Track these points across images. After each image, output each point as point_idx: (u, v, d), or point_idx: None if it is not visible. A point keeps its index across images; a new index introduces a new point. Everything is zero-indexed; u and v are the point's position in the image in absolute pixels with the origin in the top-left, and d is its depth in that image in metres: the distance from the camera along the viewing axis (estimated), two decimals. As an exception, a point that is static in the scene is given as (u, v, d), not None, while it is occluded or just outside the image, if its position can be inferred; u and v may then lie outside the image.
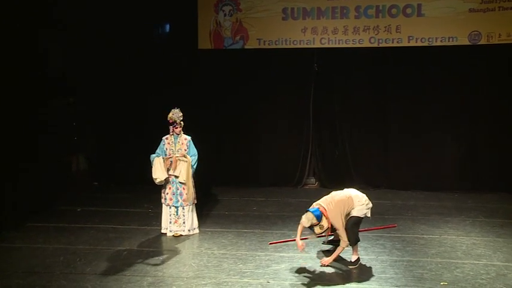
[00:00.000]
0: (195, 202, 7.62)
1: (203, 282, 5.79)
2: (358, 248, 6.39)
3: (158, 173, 7.32)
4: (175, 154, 7.40)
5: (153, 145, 7.65)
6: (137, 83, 10.34)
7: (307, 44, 10.07)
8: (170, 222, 7.50)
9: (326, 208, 6.06)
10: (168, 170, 7.40)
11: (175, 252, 6.79)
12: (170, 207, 7.48)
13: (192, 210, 7.55)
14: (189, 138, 7.55)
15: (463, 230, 7.58)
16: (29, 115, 8.76)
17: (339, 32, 9.93)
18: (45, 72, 9.45)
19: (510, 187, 9.71)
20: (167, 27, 10.67)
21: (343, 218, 6.11)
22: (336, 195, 6.28)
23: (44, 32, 9.30)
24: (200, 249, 6.92)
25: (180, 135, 7.49)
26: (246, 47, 10.28)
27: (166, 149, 7.46)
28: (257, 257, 6.56)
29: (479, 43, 9.53)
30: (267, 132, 10.61)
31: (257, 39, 10.19)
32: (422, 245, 6.97)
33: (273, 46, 10.18)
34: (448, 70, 9.87)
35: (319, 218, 5.97)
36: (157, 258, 6.56)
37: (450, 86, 9.91)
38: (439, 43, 9.63)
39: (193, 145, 7.55)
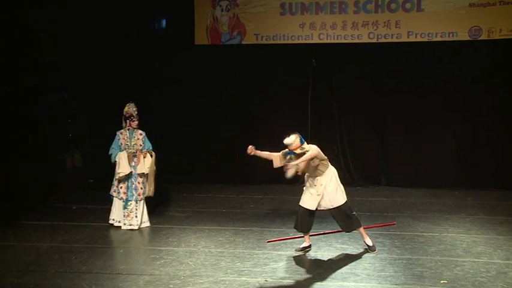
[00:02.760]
0: (151, 196, 7.80)
1: (200, 281, 5.77)
2: (361, 243, 6.43)
3: (123, 167, 7.48)
4: (131, 149, 7.55)
5: (150, 141, 7.71)
6: (133, 79, 10.29)
7: (305, 39, 10.04)
8: (124, 216, 7.62)
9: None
10: (130, 164, 7.55)
11: (172, 250, 6.76)
12: (124, 201, 7.62)
13: (143, 205, 7.72)
14: (143, 133, 7.69)
15: (463, 228, 7.57)
16: (22, 110, 8.73)
17: (337, 27, 9.90)
18: (37, 67, 9.38)
19: (510, 184, 9.72)
20: (163, 22, 10.64)
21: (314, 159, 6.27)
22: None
23: (36, 25, 9.24)
24: (197, 247, 6.89)
25: (135, 130, 7.62)
26: (243, 42, 10.24)
27: (121, 144, 7.58)
28: (255, 255, 6.54)
29: (479, 38, 9.51)
30: (264, 128, 10.58)
31: (255, 34, 10.15)
32: (422, 242, 6.96)
33: (271, 41, 10.14)
34: (448, 66, 9.88)
35: (302, 141, 6.16)
36: (153, 256, 6.54)
37: (450, 81, 9.92)
38: (439, 38, 9.61)
39: (147, 140, 7.73)
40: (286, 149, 6.30)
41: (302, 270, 6.10)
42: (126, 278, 5.88)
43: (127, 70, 10.30)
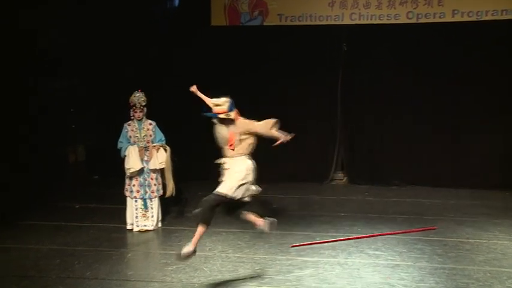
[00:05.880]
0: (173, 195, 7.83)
1: (216, 290, 5.79)
2: (396, 250, 6.34)
3: (133, 162, 7.51)
4: (141, 142, 7.56)
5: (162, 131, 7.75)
6: (144, 64, 10.33)
7: (335, 20, 9.99)
8: (136, 217, 7.68)
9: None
10: (142, 159, 7.57)
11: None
12: (136, 200, 7.62)
13: (158, 204, 7.77)
14: (154, 123, 7.71)
15: (515, 234, 7.48)
16: (20, 100, 8.82)
17: (371, 6, 9.84)
18: (37, 50, 9.45)
19: None
20: (177, 1, 10.65)
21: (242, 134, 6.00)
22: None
23: (39, 8, 9.32)
24: (213, 252, 6.90)
25: (143, 121, 7.65)
26: (265, 23, 10.24)
27: (130, 136, 7.61)
28: (277, 262, 6.52)
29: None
30: (288, 120, 10.46)
31: (278, 14, 10.14)
32: (468, 250, 6.87)
33: (296, 23, 10.12)
34: (500, 50, 9.66)
35: (231, 108, 6.02)
36: (164, 261, 6.56)
37: (502, 70, 9.71)
38: (489, 17, 9.44)
39: (159, 130, 7.73)
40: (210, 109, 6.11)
41: (330, 278, 6.05)
42: (134, 285, 5.90)
43: (137, 55, 10.33)
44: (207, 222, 5.79)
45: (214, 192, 5.79)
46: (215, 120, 6.08)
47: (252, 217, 6.06)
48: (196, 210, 5.90)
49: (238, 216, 6.03)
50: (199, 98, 6.65)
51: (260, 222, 6.04)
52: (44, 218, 8.29)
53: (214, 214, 5.79)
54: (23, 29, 8.89)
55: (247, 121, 6.08)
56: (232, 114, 6.05)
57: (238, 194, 5.85)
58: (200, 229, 5.79)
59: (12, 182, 8.52)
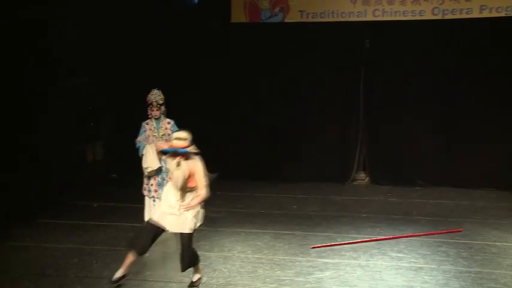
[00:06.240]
0: None
1: (235, 291, 5.79)
2: (420, 252, 6.26)
3: (150, 161, 7.50)
4: (159, 140, 7.55)
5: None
6: (162, 62, 10.36)
7: (357, 16, 9.93)
8: None
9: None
10: (159, 159, 7.53)
11: (203, 256, 6.77)
12: (154, 200, 7.62)
13: None
14: (172, 122, 7.70)
15: (544, 237, 7.36)
16: (35, 97, 8.89)
17: (395, 2, 9.77)
18: (52, 46, 9.48)
19: None
20: (196, -2, 10.67)
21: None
22: None
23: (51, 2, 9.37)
24: (232, 252, 6.90)
25: (161, 119, 7.65)
26: (286, 20, 10.22)
27: (149, 135, 7.59)
28: (297, 263, 6.50)
29: None
30: (309, 120, 10.52)
31: (299, 11, 10.11)
32: (495, 253, 6.79)
33: (318, 19, 10.09)
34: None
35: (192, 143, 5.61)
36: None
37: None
38: (520, 13, 9.28)
39: (177, 128, 7.63)
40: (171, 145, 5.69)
41: (351, 281, 6.02)
42: (152, 285, 5.92)
43: (155, 52, 10.37)
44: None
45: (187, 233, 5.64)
46: (180, 160, 5.53)
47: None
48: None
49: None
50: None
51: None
52: (62, 216, 8.37)
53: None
54: (33, 22, 8.90)
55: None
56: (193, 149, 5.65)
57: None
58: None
59: (31, 180, 8.60)
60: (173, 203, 5.63)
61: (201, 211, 5.77)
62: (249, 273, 6.24)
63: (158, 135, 7.63)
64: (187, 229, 5.62)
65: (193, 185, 5.63)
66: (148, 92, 7.62)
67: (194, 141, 8.16)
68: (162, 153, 5.88)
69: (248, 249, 7.01)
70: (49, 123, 9.16)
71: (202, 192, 5.60)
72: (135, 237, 5.86)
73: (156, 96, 7.58)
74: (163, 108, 7.66)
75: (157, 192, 7.63)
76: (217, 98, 10.54)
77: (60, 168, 9.37)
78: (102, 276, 6.14)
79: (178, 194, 5.63)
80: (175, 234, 5.83)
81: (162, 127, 7.66)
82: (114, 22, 10.30)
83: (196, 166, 5.63)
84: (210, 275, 6.18)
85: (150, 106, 7.60)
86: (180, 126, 7.70)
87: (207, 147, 9.84)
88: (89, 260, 6.61)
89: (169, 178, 5.87)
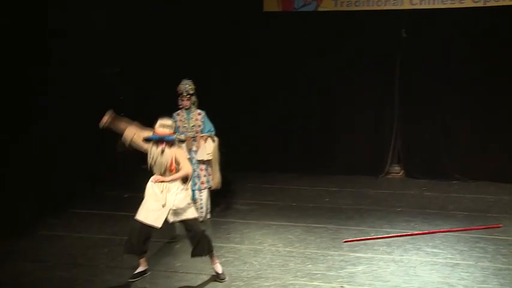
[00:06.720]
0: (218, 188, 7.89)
1: (266, 284, 5.78)
2: (456, 248, 6.19)
3: None
4: (190, 132, 7.61)
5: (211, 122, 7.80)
6: (194, 52, 10.39)
7: (393, 4, 9.82)
8: None
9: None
10: (189, 150, 7.60)
11: (234, 248, 6.82)
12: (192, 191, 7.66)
13: (208, 195, 7.83)
14: (203, 113, 7.72)
15: None
16: (69, 87, 9.01)
17: (433, -11, 9.58)
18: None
19: None
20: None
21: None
22: None
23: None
24: (263, 245, 6.92)
25: (191, 110, 7.67)
26: (319, 9, 10.15)
27: (179, 126, 7.61)
28: (329, 257, 6.50)
29: None
30: (343, 111, 10.46)
31: (333, -1, 10.01)
32: (535, 250, 6.67)
33: (352, 8, 10.00)
34: None
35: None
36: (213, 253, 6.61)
37: None
38: None
39: (208, 120, 7.72)
40: (155, 132, 5.73)
41: (384, 276, 5.98)
42: (182, 277, 5.98)
43: (187, 42, 10.41)
44: None
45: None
46: (164, 147, 5.71)
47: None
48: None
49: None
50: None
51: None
52: (93, 207, 8.53)
53: None
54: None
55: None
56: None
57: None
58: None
59: (64, 171, 8.75)
60: (159, 195, 5.81)
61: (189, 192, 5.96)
62: (280, 266, 6.25)
63: (189, 126, 7.66)
64: (189, 214, 5.79)
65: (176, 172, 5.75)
66: (179, 82, 7.67)
67: (226, 133, 8.28)
68: (146, 140, 5.81)
69: (279, 242, 7.02)
70: (80, 113, 9.26)
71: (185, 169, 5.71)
72: (127, 241, 5.88)
73: (186, 86, 7.62)
74: (193, 98, 7.69)
75: None
76: (247, 89, 10.54)
77: (91, 159, 9.50)
78: (132, 266, 6.21)
79: (161, 185, 5.82)
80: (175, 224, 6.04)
81: (192, 118, 7.69)
82: (145, 12, 10.35)
83: (178, 153, 5.80)
84: (240, 267, 6.22)
85: (181, 96, 7.64)
86: (211, 118, 7.77)
87: (237, 139, 10.06)
88: (119, 250, 6.67)
89: (149, 167, 5.93)
